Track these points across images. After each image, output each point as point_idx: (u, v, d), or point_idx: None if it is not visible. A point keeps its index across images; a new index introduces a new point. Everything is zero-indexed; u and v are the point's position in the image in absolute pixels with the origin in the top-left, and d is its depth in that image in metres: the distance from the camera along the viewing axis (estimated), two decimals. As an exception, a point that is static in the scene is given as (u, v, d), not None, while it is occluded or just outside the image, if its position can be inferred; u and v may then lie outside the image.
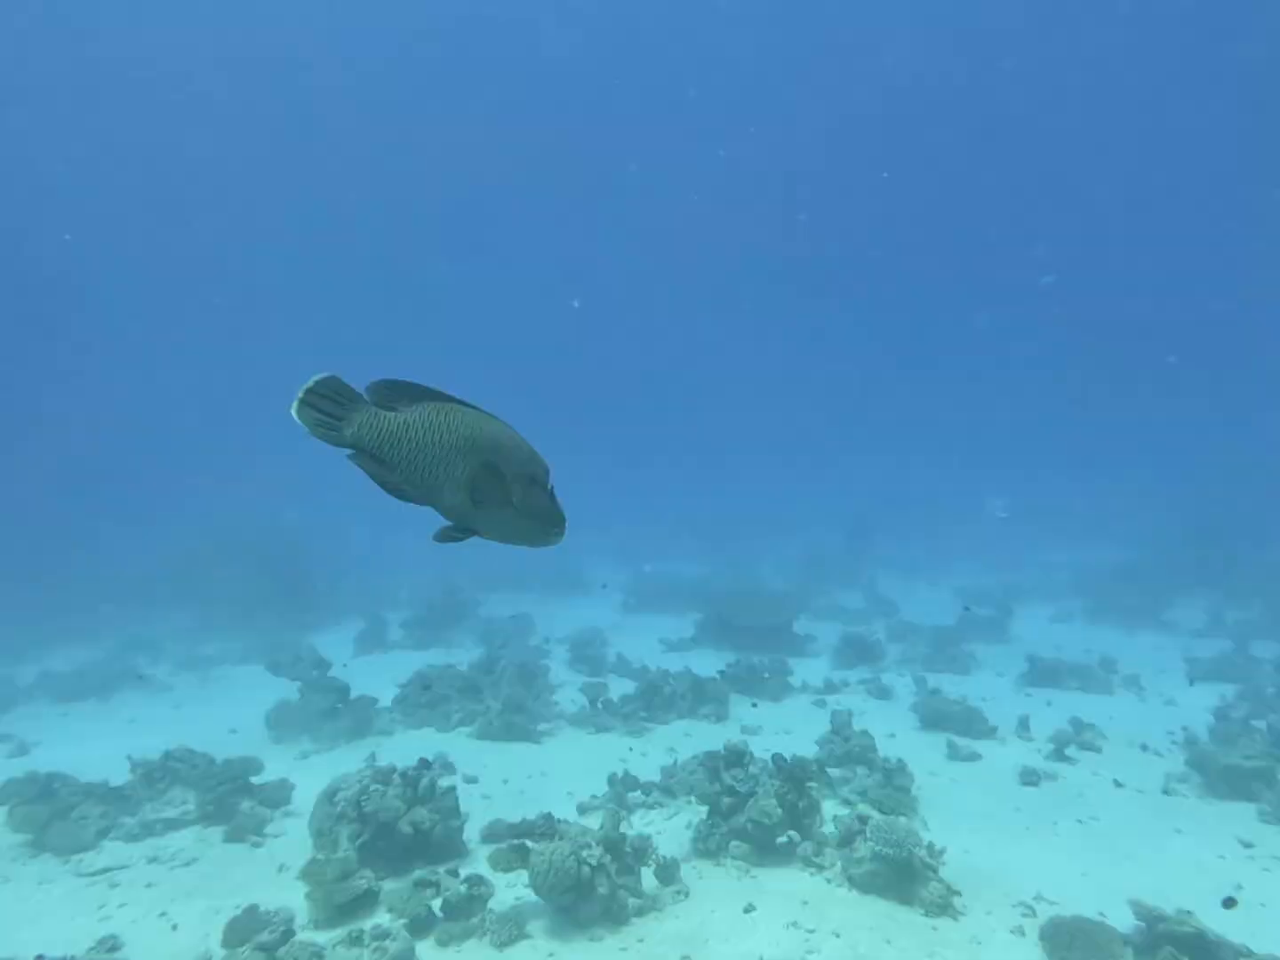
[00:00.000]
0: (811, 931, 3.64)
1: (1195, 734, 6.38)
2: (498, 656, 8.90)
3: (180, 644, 12.29)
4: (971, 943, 3.54)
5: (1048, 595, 16.76)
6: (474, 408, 1.43)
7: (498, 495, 1.40)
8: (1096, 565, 16.84)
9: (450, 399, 1.42)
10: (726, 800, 4.53)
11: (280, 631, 12.57)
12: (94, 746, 6.94)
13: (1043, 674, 9.47)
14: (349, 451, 1.38)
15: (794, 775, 4.43)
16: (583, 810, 5.22)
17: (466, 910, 3.61)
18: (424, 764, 4.45)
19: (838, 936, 3.59)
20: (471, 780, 5.95)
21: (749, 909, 3.84)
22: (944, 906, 3.79)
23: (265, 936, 3.10)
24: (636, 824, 5.06)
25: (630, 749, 6.55)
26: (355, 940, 3.19)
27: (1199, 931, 3.09)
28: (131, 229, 36.39)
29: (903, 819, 4.15)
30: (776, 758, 4.55)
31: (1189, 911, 3.29)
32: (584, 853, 3.67)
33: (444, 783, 4.82)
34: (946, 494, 31.27)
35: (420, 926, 3.52)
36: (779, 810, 4.35)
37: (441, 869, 3.72)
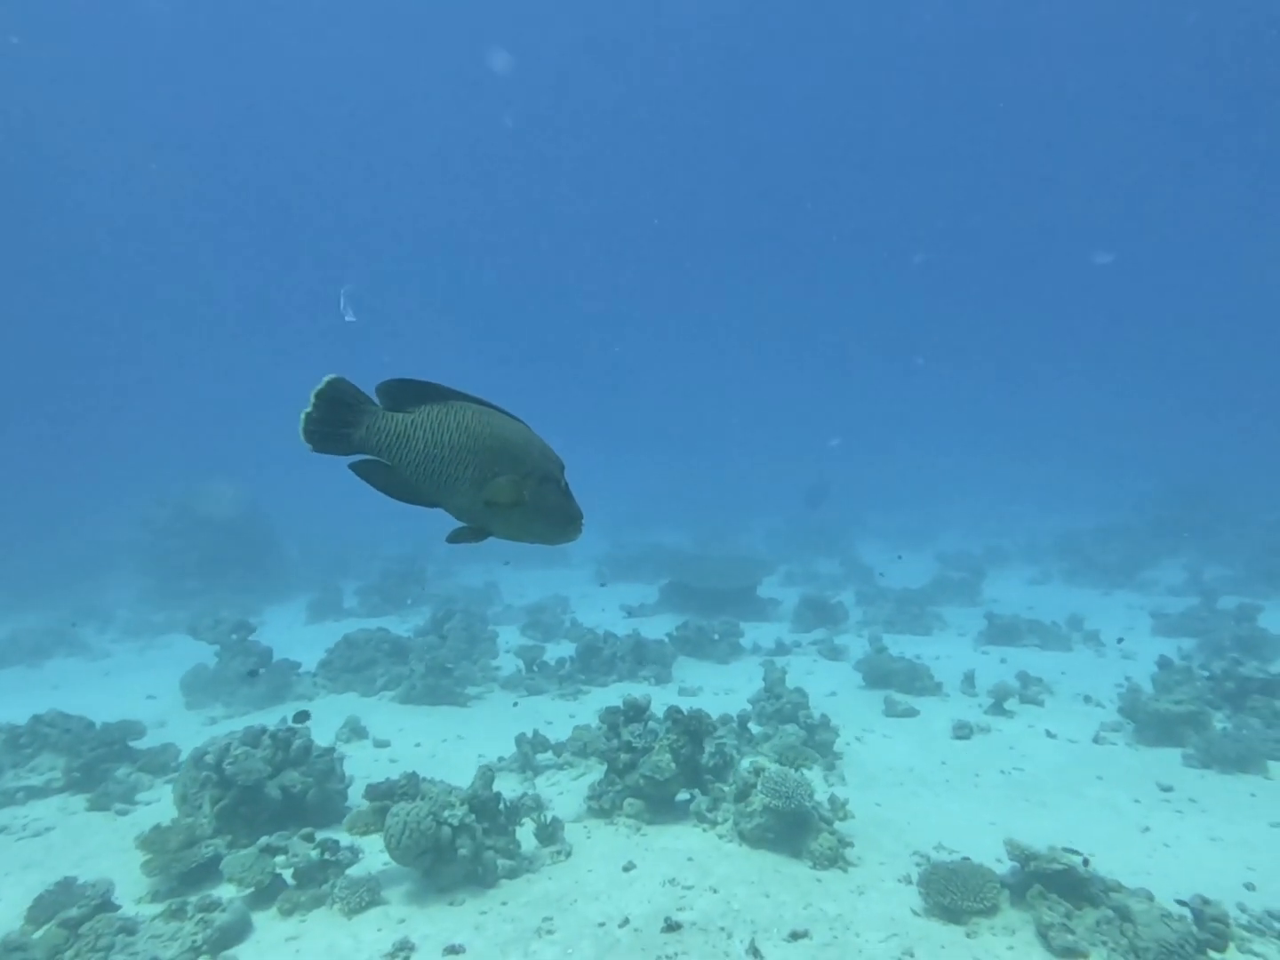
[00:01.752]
0: (689, 888, 3.41)
1: (1139, 685, 6.17)
2: (442, 621, 8.69)
3: (133, 613, 12.07)
4: (853, 893, 3.32)
5: (1030, 559, 16.64)
6: (485, 404, 1.39)
7: (509, 495, 1.36)
8: (1082, 530, 16.61)
9: (461, 396, 1.38)
10: (624, 757, 4.29)
11: (237, 600, 12.36)
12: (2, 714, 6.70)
13: (1001, 632, 9.28)
14: (350, 460, 1.36)
15: (690, 729, 4.18)
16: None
17: (319, 877, 3.37)
18: (301, 717, 4.19)
19: (715, 892, 3.37)
20: (383, 744, 5.73)
21: (629, 867, 3.61)
22: (834, 858, 3.57)
23: (73, 911, 2.85)
24: (541, 785, 4.85)
25: (515, 704, 6.34)
26: (177, 913, 2.95)
27: (1068, 868, 2.88)
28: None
29: (799, 771, 3.91)
30: (672, 710, 4.30)
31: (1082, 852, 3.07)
32: (445, 813, 3.42)
33: (336, 745, 4.60)
34: (938, 466, 31.27)
35: (265, 896, 3.28)
36: (673, 765, 4.11)
37: (296, 834, 3.48)
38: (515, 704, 6.38)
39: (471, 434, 1.35)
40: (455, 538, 1.42)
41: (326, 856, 3.41)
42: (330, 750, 4.22)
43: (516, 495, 1.37)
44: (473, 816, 3.48)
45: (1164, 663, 6.01)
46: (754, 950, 2.93)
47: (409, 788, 3.52)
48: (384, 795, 3.54)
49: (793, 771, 3.82)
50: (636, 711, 4.45)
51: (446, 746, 5.68)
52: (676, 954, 2.95)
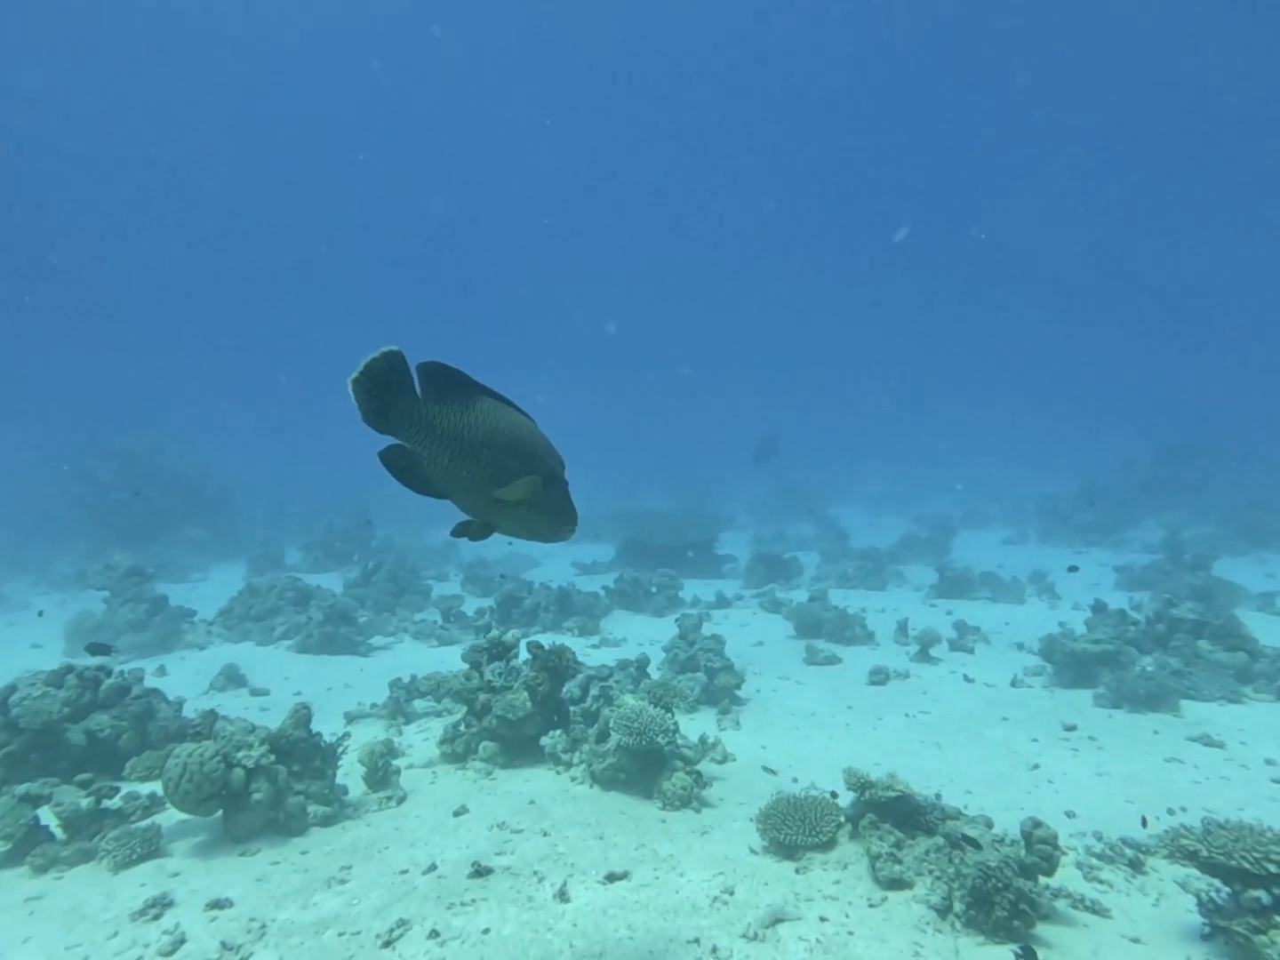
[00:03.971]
0: (517, 832, 3.04)
1: (1071, 630, 5.81)
2: (372, 573, 8.31)
3: (73, 568, 11.64)
4: (695, 833, 2.95)
5: (1011, 521, 16.37)
6: (502, 398, 1.40)
7: (521, 493, 1.38)
8: (1069, 492, 16.27)
9: (484, 390, 1.39)
10: (483, 697, 3.90)
11: (181, 556, 11.98)
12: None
13: (952, 586, 8.93)
14: (393, 443, 1.36)
15: (550, 665, 3.78)
16: (350, 719, 4.62)
17: (93, 829, 2.98)
18: (98, 650, 3.76)
19: (545, 835, 3.00)
20: (261, 693, 5.35)
21: (460, 812, 3.23)
22: (687, 799, 3.19)
23: None
24: (410, 732, 4.48)
25: (361, 670, 5.89)
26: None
27: (902, 795, 2.51)
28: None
29: (669, 711, 3.51)
30: (532, 645, 3.89)
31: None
32: (239, 754, 3.02)
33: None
34: (930, 432, 30.82)
35: (21, 850, 2.88)
36: (529, 704, 3.72)
37: (66, 782, 3.08)
38: (361, 670, 5.89)
39: (490, 432, 1.36)
40: (460, 532, 1.43)
41: (105, 805, 3.02)
42: (154, 692, 3.81)
43: (527, 494, 1.38)
44: (273, 758, 3.08)
45: (1099, 607, 5.63)
46: (562, 894, 2.56)
47: (203, 727, 3.11)
48: (175, 736, 3.13)
49: (649, 707, 3.42)
50: (501, 650, 4.05)
51: (330, 695, 5.30)
52: (475, 900, 2.58)
